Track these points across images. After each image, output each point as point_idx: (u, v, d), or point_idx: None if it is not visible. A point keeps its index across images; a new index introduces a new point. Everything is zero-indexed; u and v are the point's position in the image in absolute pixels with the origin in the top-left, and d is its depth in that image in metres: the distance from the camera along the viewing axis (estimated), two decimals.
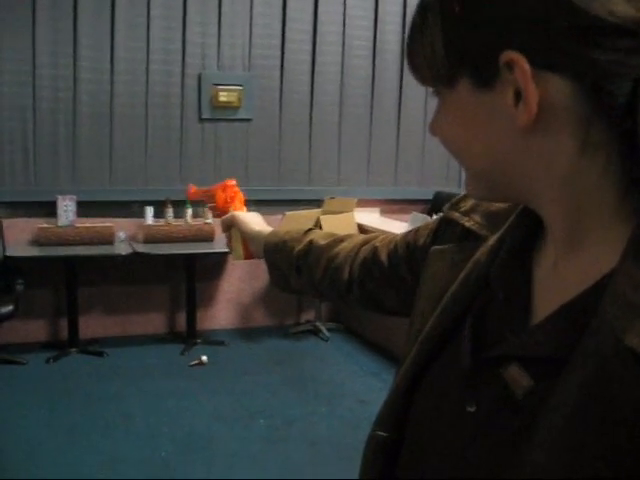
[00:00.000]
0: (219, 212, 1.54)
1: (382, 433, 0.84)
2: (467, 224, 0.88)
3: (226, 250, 1.55)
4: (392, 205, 6.64)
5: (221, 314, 6.33)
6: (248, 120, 6.17)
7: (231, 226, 1.48)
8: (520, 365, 0.67)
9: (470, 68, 0.65)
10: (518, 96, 0.62)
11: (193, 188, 1.67)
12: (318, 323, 6.26)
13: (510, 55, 0.61)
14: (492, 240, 0.80)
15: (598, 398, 0.56)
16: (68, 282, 5.61)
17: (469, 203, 0.90)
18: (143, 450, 3.98)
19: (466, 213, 0.89)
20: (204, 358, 5.39)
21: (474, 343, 0.75)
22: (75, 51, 5.60)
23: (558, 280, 0.69)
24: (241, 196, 1.56)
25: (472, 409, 0.71)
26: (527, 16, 0.60)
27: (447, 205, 0.94)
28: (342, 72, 6.41)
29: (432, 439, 0.77)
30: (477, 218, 0.87)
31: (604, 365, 0.57)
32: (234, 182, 1.56)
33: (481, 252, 0.81)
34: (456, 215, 0.90)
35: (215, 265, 6.23)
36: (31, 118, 5.57)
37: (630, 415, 0.54)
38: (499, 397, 0.68)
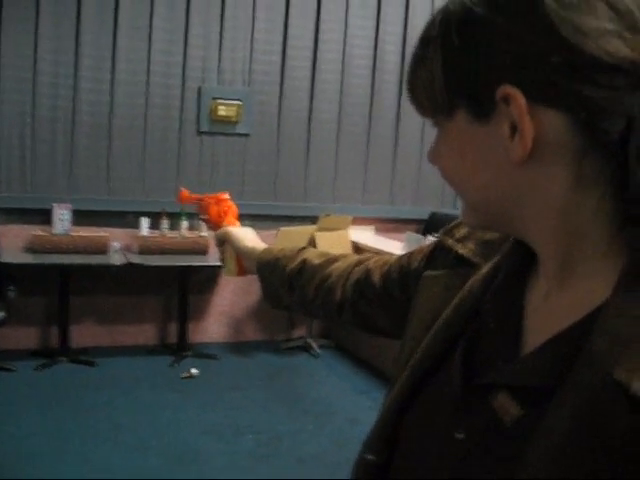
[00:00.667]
0: (212, 225, 1.53)
1: (371, 457, 0.84)
2: (461, 251, 0.88)
3: (220, 264, 1.55)
4: (387, 224, 6.66)
5: (213, 327, 6.32)
6: (246, 135, 6.19)
7: (224, 241, 1.48)
8: (509, 393, 0.67)
9: (468, 100, 0.66)
10: (514, 129, 0.63)
11: (185, 192, 1.66)
12: (309, 339, 6.26)
13: (507, 89, 0.62)
14: (486, 268, 0.81)
15: (588, 429, 0.57)
16: (61, 290, 5.60)
17: (463, 230, 0.90)
18: (131, 461, 3.97)
19: (460, 240, 0.90)
20: (194, 371, 5.38)
21: (464, 370, 0.75)
22: (76, 60, 5.61)
23: (549, 311, 0.69)
24: (234, 210, 1.55)
25: (461, 436, 0.71)
26: (523, 52, 0.61)
27: (441, 231, 0.95)
28: (341, 91, 6.44)
29: (421, 464, 0.77)
30: (471, 245, 0.87)
31: (593, 397, 0.57)
32: (227, 196, 1.55)
33: (474, 280, 0.81)
34: (450, 242, 0.91)
35: (208, 278, 6.22)
36: (30, 125, 5.58)
37: (619, 447, 0.55)
38: (488, 425, 0.68)
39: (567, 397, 0.59)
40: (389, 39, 6.50)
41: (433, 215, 6.55)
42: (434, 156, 0.74)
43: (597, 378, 0.58)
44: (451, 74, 0.66)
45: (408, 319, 0.90)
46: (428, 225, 6.45)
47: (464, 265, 0.86)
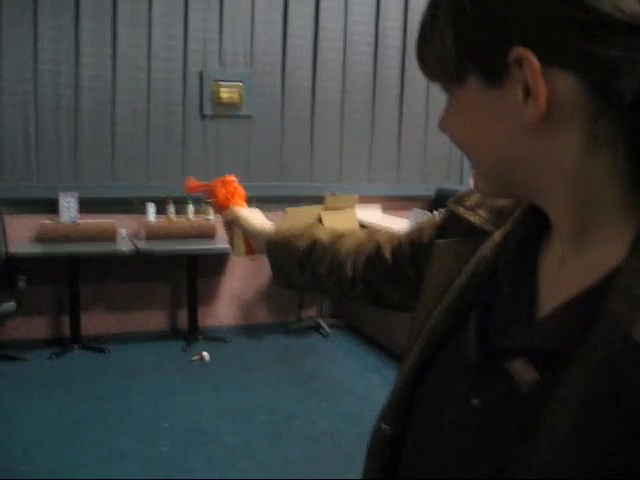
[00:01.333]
0: (219, 208, 1.52)
1: (387, 427, 0.84)
2: (472, 219, 0.88)
3: (227, 247, 1.54)
4: (393, 202, 6.64)
5: (223, 311, 6.34)
6: (249, 117, 6.17)
7: (232, 223, 1.48)
8: (525, 359, 0.67)
9: (479, 65, 0.65)
10: (527, 93, 0.63)
11: (192, 181, 1.65)
12: (319, 319, 6.27)
13: (519, 52, 0.61)
14: (498, 235, 0.81)
15: (605, 392, 0.57)
16: (70, 279, 5.62)
17: (474, 198, 0.90)
18: (144, 446, 3.99)
19: (471, 208, 0.89)
20: (205, 354, 5.40)
21: (480, 336, 0.75)
22: (77, 48, 5.60)
23: (564, 275, 0.69)
24: (241, 192, 1.54)
25: (477, 402, 0.71)
26: (536, 13, 0.60)
27: (451, 199, 0.94)
28: (344, 69, 6.41)
29: (436, 432, 0.77)
30: (482, 213, 0.87)
31: (611, 359, 0.57)
32: (234, 178, 1.55)
33: (487, 247, 0.81)
34: (461, 210, 0.91)
35: (217, 262, 6.23)
36: (33, 115, 5.58)
37: (637, 412, 0.54)
38: (504, 391, 0.68)
39: (584, 360, 0.59)
40: (390, 15, 6.46)
41: (440, 192, 6.53)
42: (445, 123, 0.73)
43: (614, 339, 0.57)
44: (462, 39, 0.65)
45: (421, 290, 0.90)
46: (435, 202, 6.43)
47: (476, 233, 0.86)
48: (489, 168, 0.70)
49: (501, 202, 0.85)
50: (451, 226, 0.93)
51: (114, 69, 5.72)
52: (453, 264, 0.85)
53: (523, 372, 0.67)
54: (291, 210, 5.96)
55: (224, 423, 4.32)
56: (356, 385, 4.95)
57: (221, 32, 6.00)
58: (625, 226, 0.63)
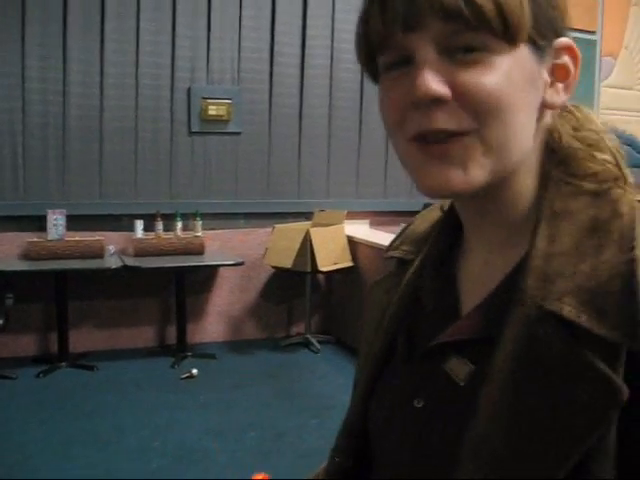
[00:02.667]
0: None
1: (338, 459, 0.91)
2: (397, 255, 0.91)
3: (216, 263, 1.51)
4: (381, 217, 6.67)
5: (211, 327, 6.33)
6: (237, 133, 6.19)
7: None
8: (458, 354, 0.71)
9: (539, 36, 0.66)
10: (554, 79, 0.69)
11: None
12: (309, 335, 6.27)
13: (568, 41, 0.68)
14: (418, 260, 0.85)
15: (529, 363, 0.62)
16: (58, 296, 5.60)
17: (399, 239, 0.93)
18: (134, 463, 3.97)
19: (397, 247, 0.92)
20: (194, 371, 5.38)
21: (409, 349, 0.80)
22: (64, 65, 5.61)
23: (487, 276, 0.73)
24: None
25: (420, 405, 0.75)
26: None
27: (384, 251, 0.96)
28: (331, 85, 6.45)
29: (386, 441, 0.81)
30: (406, 247, 0.90)
31: (530, 334, 0.62)
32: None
33: (409, 273, 0.85)
34: (390, 253, 0.93)
35: (205, 278, 6.23)
36: (20, 132, 5.58)
37: (558, 372, 0.60)
38: (443, 388, 0.72)
39: (507, 340, 0.64)
40: None
41: (427, 206, 6.47)
42: (467, 80, 0.64)
43: (532, 315, 0.63)
44: (541, 7, 0.66)
45: (360, 328, 0.94)
46: None
47: (402, 267, 0.89)
48: (506, 140, 0.66)
49: (421, 230, 0.89)
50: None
51: (102, 86, 5.73)
52: (384, 297, 0.88)
53: (457, 366, 0.71)
54: (280, 227, 5.98)
55: (214, 440, 4.30)
56: (345, 401, 4.89)
57: (209, 49, 6.02)
58: (531, 216, 0.70)
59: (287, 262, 5.82)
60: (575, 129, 0.73)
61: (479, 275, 0.75)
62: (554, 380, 0.60)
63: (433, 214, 0.89)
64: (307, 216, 6.21)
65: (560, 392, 0.60)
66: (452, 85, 0.63)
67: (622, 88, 7.51)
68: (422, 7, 0.63)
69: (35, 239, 5.55)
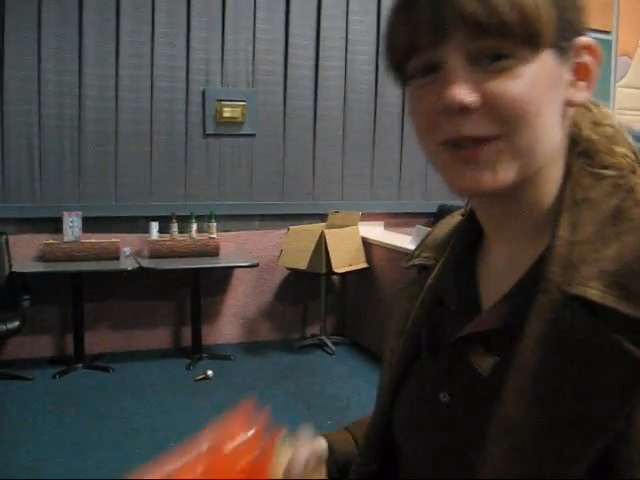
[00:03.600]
0: None
1: (362, 461, 0.90)
2: (418, 262, 0.92)
3: (231, 264, 1.49)
4: (396, 219, 6.66)
5: (226, 329, 6.34)
6: (252, 135, 6.20)
7: None
8: (482, 345, 0.73)
9: (561, 38, 0.68)
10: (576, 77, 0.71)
11: None
12: (323, 337, 6.27)
13: (589, 40, 0.70)
14: (439, 264, 0.86)
15: (555, 347, 0.63)
16: (74, 298, 5.62)
17: (419, 248, 0.95)
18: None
19: (418, 255, 0.94)
20: (210, 372, 5.39)
21: (433, 346, 0.81)
22: (80, 68, 5.64)
23: (510, 270, 0.75)
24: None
25: (445, 399, 0.76)
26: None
27: (405, 260, 0.97)
28: (345, 87, 6.45)
29: (412, 438, 0.82)
30: (426, 254, 0.92)
31: (556, 319, 0.64)
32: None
33: (431, 277, 0.86)
34: (411, 261, 0.95)
35: (220, 280, 6.25)
36: (37, 135, 5.61)
37: (586, 354, 0.61)
38: (468, 380, 0.73)
39: (532, 327, 0.65)
40: None
41: (442, 208, 6.54)
42: (494, 88, 0.65)
43: (557, 301, 0.64)
44: (561, 11, 0.67)
45: (384, 334, 0.94)
46: (437, 218, 6.43)
47: (423, 273, 0.91)
48: (534, 143, 0.68)
49: (440, 236, 0.91)
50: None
51: (117, 89, 5.76)
52: (407, 303, 0.90)
53: (481, 358, 0.73)
54: (294, 229, 5.98)
55: None
56: (361, 402, 4.93)
57: (223, 52, 6.04)
58: (554, 208, 0.72)
59: (302, 263, 5.82)
60: (594, 123, 0.74)
61: (501, 271, 0.77)
62: (582, 362, 0.61)
63: (453, 220, 0.91)
64: (322, 217, 6.21)
65: (589, 374, 0.60)
66: (480, 93, 0.65)
67: (638, 88, 7.46)
68: (447, 17, 0.64)
69: (51, 241, 5.58)
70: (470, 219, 0.83)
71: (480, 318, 0.75)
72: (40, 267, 5.46)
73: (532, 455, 0.62)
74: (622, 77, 7.41)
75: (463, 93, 0.65)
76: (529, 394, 0.63)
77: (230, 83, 6.11)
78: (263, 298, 6.39)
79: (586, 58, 0.71)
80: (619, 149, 0.73)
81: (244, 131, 6.17)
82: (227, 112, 6.05)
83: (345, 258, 5.87)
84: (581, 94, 0.71)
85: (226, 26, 6.02)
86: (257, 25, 6.12)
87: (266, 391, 5.17)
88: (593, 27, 5.90)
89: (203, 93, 6.02)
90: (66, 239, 5.58)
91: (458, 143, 0.67)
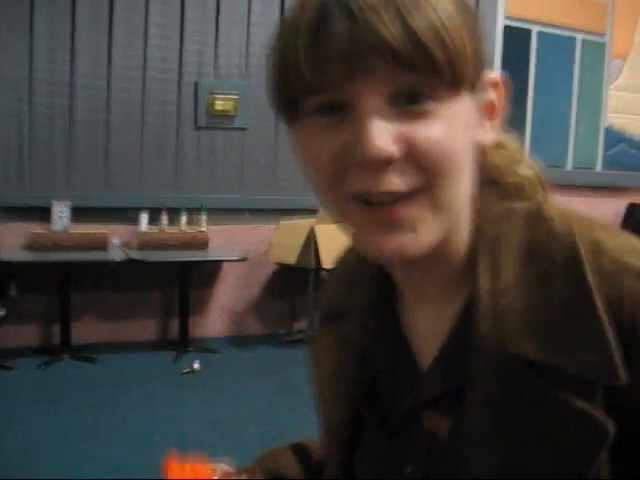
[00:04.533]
0: None
1: None
2: (326, 305, 0.87)
3: (220, 258, 1.47)
4: None
5: (214, 322, 6.33)
6: (244, 129, 6.18)
7: None
8: (434, 410, 0.69)
9: (475, 77, 0.61)
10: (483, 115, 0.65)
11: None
12: (311, 332, 6.26)
13: (496, 76, 0.64)
14: (355, 315, 0.79)
15: (506, 412, 0.60)
16: (61, 288, 5.61)
17: (326, 283, 0.91)
18: (135, 457, 3.97)
19: (325, 290, 0.90)
20: (196, 365, 5.37)
21: (380, 416, 0.76)
22: (72, 57, 5.61)
23: (437, 326, 0.70)
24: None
25: (408, 470, 0.71)
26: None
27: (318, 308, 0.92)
28: None
29: None
30: (332, 296, 0.87)
31: (499, 378, 0.61)
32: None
33: (350, 329, 0.79)
34: (321, 297, 0.91)
35: (209, 273, 6.23)
36: (27, 123, 5.58)
37: (539, 419, 0.58)
38: (428, 448, 0.69)
39: (476, 390, 0.62)
40: None
41: None
42: (431, 134, 0.58)
43: (492, 358, 0.61)
44: (474, 48, 0.60)
45: (312, 379, 0.90)
46: None
47: (334, 317, 0.84)
48: (458, 191, 0.62)
49: (343, 277, 0.86)
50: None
51: (109, 79, 5.73)
52: (326, 354, 0.84)
53: (436, 422, 0.68)
54: (284, 223, 5.98)
55: (215, 434, 4.30)
56: None
57: (217, 44, 6.02)
58: (470, 255, 0.67)
59: (291, 258, 5.81)
60: (498, 146, 0.70)
61: (426, 326, 0.72)
62: (535, 426, 0.58)
63: (351, 259, 0.85)
64: (313, 212, 6.20)
65: (545, 438, 0.58)
66: (401, 140, 0.57)
67: (631, 91, 7.47)
68: (368, 48, 0.55)
69: (39, 230, 5.55)
70: (369, 266, 0.76)
71: (423, 383, 0.70)
72: (28, 256, 5.43)
73: None
74: (615, 79, 7.42)
75: (385, 143, 0.56)
76: (489, 461, 0.60)
77: (223, 76, 6.09)
78: (252, 292, 6.38)
79: (492, 95, 0.65)
80: (523, 171, 0.68)
81: (236, 124, 6.15)
82: (219, 105, 6.03)
83: (335, 253, 5.83)
84: (489, 135, 0.65)
85: (220, 18, 5.99)
86: (252, 17, 6.09)
87: (253, 384, 5.17)
88: (587, 29, 5.89)
89: (196, 85, 5.99)
90: (54, 229, 5.55)
91: (371, 198, 0.59)
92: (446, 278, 0.69)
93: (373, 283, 0.77)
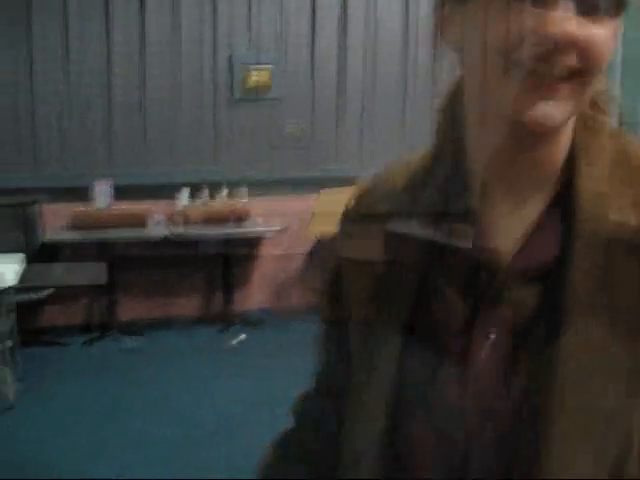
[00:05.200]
0: None
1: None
2: (380, 212, 0.87)
3: (261, 229, 1.45)
4: None
5: (257, 294, 6.39)
6: (279, 99, 6.20)
7: None
8: (520, 282, 0.74)
9: (621, 13, 0.71)
10: None
11: None
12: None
13: None
14: (414, 215, 0.81)
15: (607, 280, 0.67)
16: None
17: (370, 197, 0.91)
18: (171, 430, 4.06)
19: (373, 205, 0.90)
20: (243, 336, 5.42)
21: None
22: (107, 36, 5.66)
23: (519, 218, 0.76)
24: None
25: (493, 336, 0.74)
26: None
27: (348, 215, 0.96)
28: (374, 52, 6.45)
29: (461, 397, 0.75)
30: (386, 204, 0.86)
31: (606, 247, 0.68)
32: None
33: (409, 227, 0.81)
34: (367, 211, 0.91)
35: (250, 245, 6.29)
36: (67, 104, 5.66)
37: (631, 283, 0.67)
38: (513, 320, 0.73)
39: (579, 256, 0.69)
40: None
41: None
42: (601, 45, 0.70)
43: (598, 228, 0.69)
44: None
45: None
46: None
47: (378, 224, 0.85)
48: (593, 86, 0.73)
49: (398, 185, 0.86)
50: None
51: (144, 56, 5.77)
52: (377, 267, 0.83)
53: (525, 293, 0.73)
54: (324, 193, 5.98)
55: (255, 411, 4.31)
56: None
57: (250, 18, 6.06)
58: (562, 155, 0.75)
59: (332, 228, 5.80)
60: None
61: (508, 220, 0.76)
62: (628, 290, 0.66)
63: (406, 168, 0.87)
64: (351, 182, 6.18)
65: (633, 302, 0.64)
66: (581, 32, 0.68)
67: None
68: None
69: (82, 209, 5.63)
70: (454, 165, 0.80)
71: (515, 258, 0.74)
72: (72, 235, 5.53)
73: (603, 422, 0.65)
74: None
75: (577, 31, 0.67)
76: (594, 331, 0.66)
77: (257, 48, 6.10)
78: (293, 263, 6.42)
79: None
80: (600, 87, 0.76)
81: (271, 95, 6.17)
82: (254, 77, 6.05)
83: None
84: None
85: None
86: None
87: (296, 358, 5.18)
88: None
89: (230, 58, 6.01)
90: (97, 207, 5.61)
91: (539, 71, 0.68)
92: (542, 177, 0.75)
93: (441, 185, 0.80)
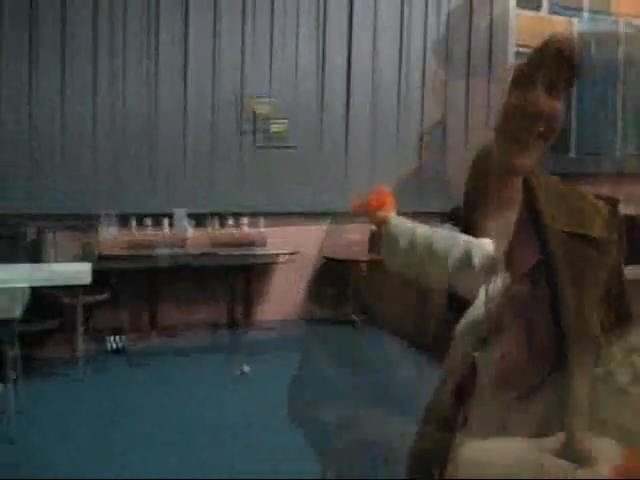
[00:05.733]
0: (370, 210, 1.69)
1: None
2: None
3: (277, 252, 1.78)
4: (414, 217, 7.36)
5: (273, 306, 7.23)
6: (294, 147, 7.23)
7: (381, 223, 1.71)
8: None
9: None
10: None
11: (356, 200, 1.77)
12: (353, 315, 7.02)
13: None
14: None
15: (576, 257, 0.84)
16: (149, 280, 6.74)
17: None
18: (180, 434, 4.39)
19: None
20: (246, 368, 5.62)
21: None
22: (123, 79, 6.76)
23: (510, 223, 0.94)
24: (391, 200, 1.74)
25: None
26: None
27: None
28: (373, 109, 7.57)
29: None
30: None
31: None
32: (387, 189, 1.76)
33: None
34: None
35: (267, 265, 7.18)
36: (122, 142, 6.71)
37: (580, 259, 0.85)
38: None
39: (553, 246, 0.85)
40: (414, 42, 7.65)
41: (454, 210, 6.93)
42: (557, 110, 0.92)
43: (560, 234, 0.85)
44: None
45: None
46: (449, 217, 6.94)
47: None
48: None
49: None
50: None
51: (186, 106, 6.87)
52: None
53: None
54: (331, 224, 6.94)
55: (268, 418, 4.50)
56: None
57: (271, 75, 7.17)
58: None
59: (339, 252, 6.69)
60: None
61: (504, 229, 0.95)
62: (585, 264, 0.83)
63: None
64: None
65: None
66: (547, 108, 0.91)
67: None
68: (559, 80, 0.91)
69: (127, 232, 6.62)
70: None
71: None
72: (122, 252, 6.49)
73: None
74: None
75: (545, 105, 0.90)
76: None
77: (275, 102, 7.14)
78: (305, 281, 7.34)
79: None
80: None
81: (288, 143, 7.21)
82: (275, 127, 7.14)
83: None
84: None
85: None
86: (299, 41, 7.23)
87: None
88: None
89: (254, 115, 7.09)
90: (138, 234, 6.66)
91: (519, 138, 0.92)
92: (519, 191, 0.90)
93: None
